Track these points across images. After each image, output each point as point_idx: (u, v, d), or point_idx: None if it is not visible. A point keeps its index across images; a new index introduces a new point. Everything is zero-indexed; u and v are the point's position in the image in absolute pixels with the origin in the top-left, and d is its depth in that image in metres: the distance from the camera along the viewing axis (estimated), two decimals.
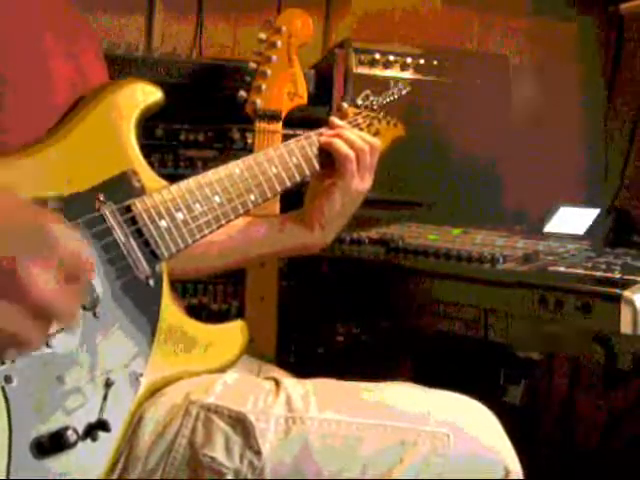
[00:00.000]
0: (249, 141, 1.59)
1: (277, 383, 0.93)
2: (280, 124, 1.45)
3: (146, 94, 0.97)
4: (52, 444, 0.75)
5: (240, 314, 1.54)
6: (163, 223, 0.91)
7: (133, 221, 0.88)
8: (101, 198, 0.86)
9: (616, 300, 0.98)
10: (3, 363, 0.73)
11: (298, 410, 0.88)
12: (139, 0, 2.01)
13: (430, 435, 0.88)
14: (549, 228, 1.49)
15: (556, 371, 1.87)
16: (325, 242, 1.20)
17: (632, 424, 1.73)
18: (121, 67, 1.50)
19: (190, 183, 0.95)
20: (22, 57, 0.90)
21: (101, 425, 0.80)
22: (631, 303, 0.96)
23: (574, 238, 1.41)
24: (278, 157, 1.08)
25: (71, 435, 0.76)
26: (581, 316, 1.01)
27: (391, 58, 1.75)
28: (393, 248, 1.33)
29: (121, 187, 0.89)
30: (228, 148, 1.61)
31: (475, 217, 1.63)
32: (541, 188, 1.84)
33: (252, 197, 1.02)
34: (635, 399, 1.73)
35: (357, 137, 1.14)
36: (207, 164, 1.57)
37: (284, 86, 1.45)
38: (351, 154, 1.12)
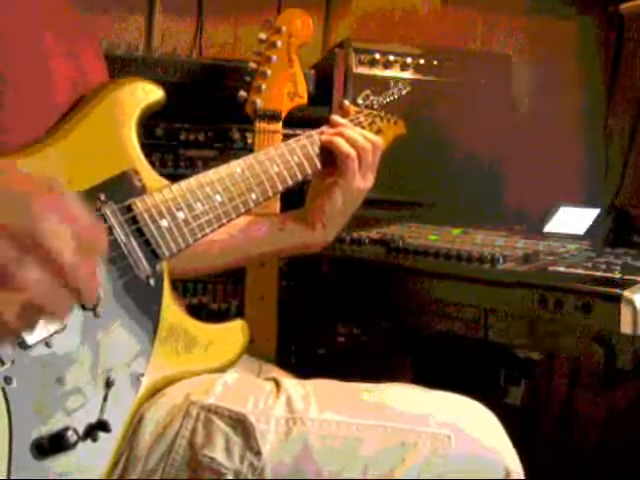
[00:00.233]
0: (249, 141, 1.59)
1: (277, 384, 0.93)
2: (280, 124, 1.45)
3: (147, 93, 0.97)
4: (52, 445, 0.75)
5: (240, 314, 1.53)
6: (164, 222, 0.90)
7: (134, 220, 0.88)
8: (102, 198, 0.86)
9: (616, 300, 0.97)
10: (3, 364, 0.73)
11: (298, 411, 0.88)
12: (139, 0, 2.00)
13: (431, 436, 0.88)
14: (549, 228, 1.49)
15: (556, 371, 1.87)
16: (326, 241, 1.19)
17: (632, 424, 1.73)
18: (121, 67, 1.50)
19: (191, 182, 0.95)
20: (22, 56, 0.89)
21: (101, 426, 0.80)
22: (631, 303, 0.96)
23: (574, 238, 1.41)
24: (279, 156, 1.07)
25: (71, 436, 0.76)
26: (581, 316, 1.01)
27: (391, 58, 1.75)
28: (393, 248, 1.33)
29: (122, 186, 0.89)
30: (228, 148, 1.61)
31: (475, 217, 1.63)
32: (541, 188, 1.84)
33: (253, 196, 1.02)
34: (635, 399, 1.73)
35: (359, 135, 1.14)
36: (207, 164, 1.56)
37: (284, 86, 1.45)
38: (352, 152, 1.12)
